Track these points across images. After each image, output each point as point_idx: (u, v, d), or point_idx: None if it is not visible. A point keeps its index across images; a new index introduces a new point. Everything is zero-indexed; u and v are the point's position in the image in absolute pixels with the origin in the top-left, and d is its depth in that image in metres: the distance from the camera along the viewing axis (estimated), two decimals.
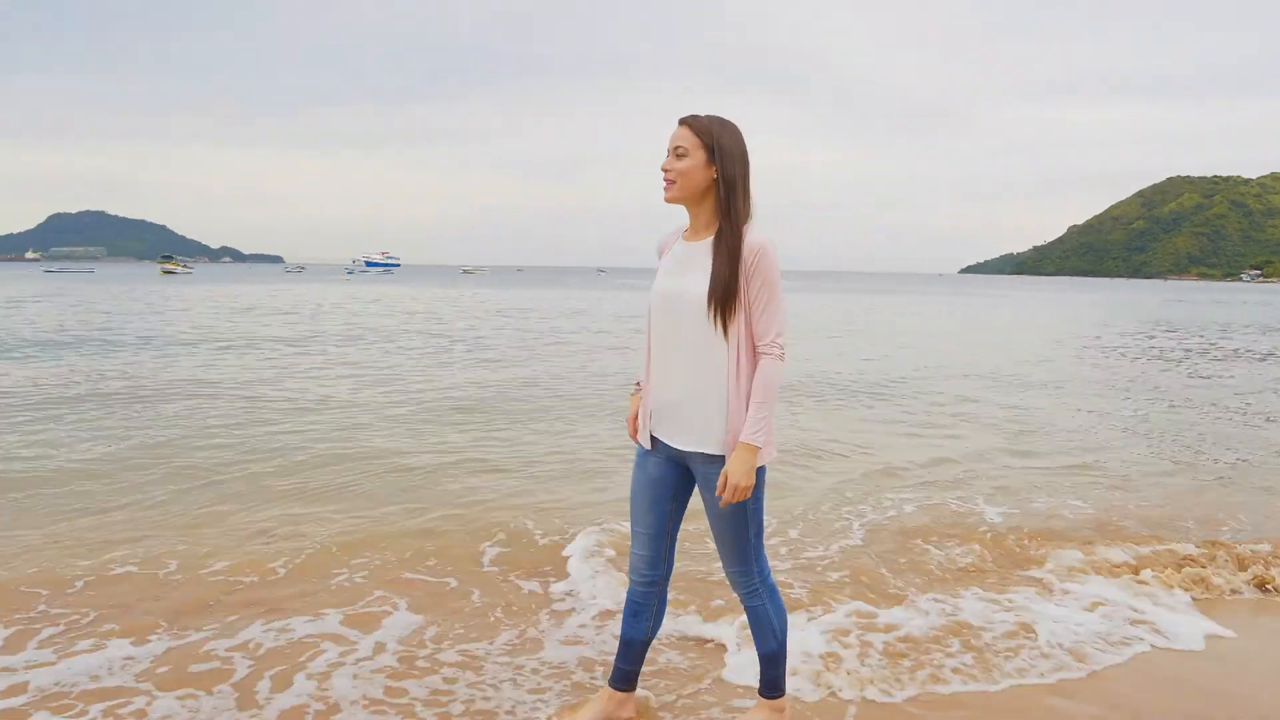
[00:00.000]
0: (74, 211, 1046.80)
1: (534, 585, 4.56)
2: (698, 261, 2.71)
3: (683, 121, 2.71)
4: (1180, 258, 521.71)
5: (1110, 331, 27.14)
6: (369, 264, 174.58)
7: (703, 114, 2.71)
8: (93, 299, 36.62)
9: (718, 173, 2.68)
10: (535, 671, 3.59)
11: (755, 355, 2.71)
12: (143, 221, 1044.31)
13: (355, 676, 3.48)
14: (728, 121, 2.73)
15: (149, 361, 14.16)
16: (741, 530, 2.83)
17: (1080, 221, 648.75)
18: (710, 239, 2.72)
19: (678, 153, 2.68)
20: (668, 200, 2.74)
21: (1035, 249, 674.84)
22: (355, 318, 26.98)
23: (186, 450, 7.46)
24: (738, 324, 2.66)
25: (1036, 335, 25.27)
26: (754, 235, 2.67)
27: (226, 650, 3.66)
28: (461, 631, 3.94)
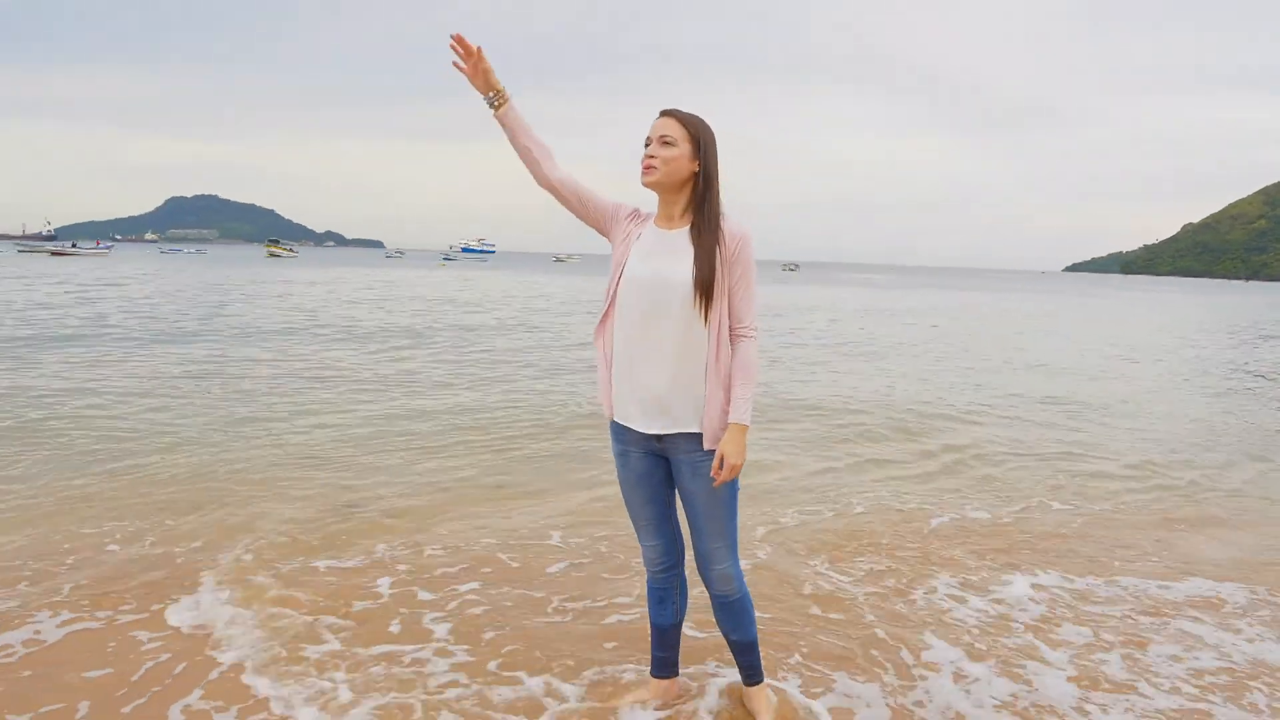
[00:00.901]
0: (189, 195, 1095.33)
1: None
2: (678, 248, 2.78)
3: (669, 113, 2.79)
4: None
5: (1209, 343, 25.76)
6: (465, 250, 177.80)
7: (683, 110, 2.81)
8: (206, 284, 38.10)
9: (700, 166, 2.78)
10: None
11: (732, 339, 2.80)
12: (253, 206, 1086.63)
13: None
14: (706, 121, 2.83)
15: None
16: (730, 509, 2.89)
17: (1196, 220, 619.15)
18: (687, 228, 2.80)
19: (665, 140, 2.75)
20: (647, 184, 2.79)
21: (1145, 247, 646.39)
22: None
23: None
24: (718, 309, 2.75)
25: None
26: (733, 225, 2.79)
27: None
28: None
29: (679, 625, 3.21)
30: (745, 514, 5.31)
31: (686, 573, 3.17)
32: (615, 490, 4.04)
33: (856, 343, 18.75)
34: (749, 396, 2.78)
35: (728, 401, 2.79)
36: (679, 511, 3.05)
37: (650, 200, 2.92)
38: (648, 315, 2.78)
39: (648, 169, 2.77)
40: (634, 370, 2.83)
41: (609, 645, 3.76)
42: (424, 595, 4.22)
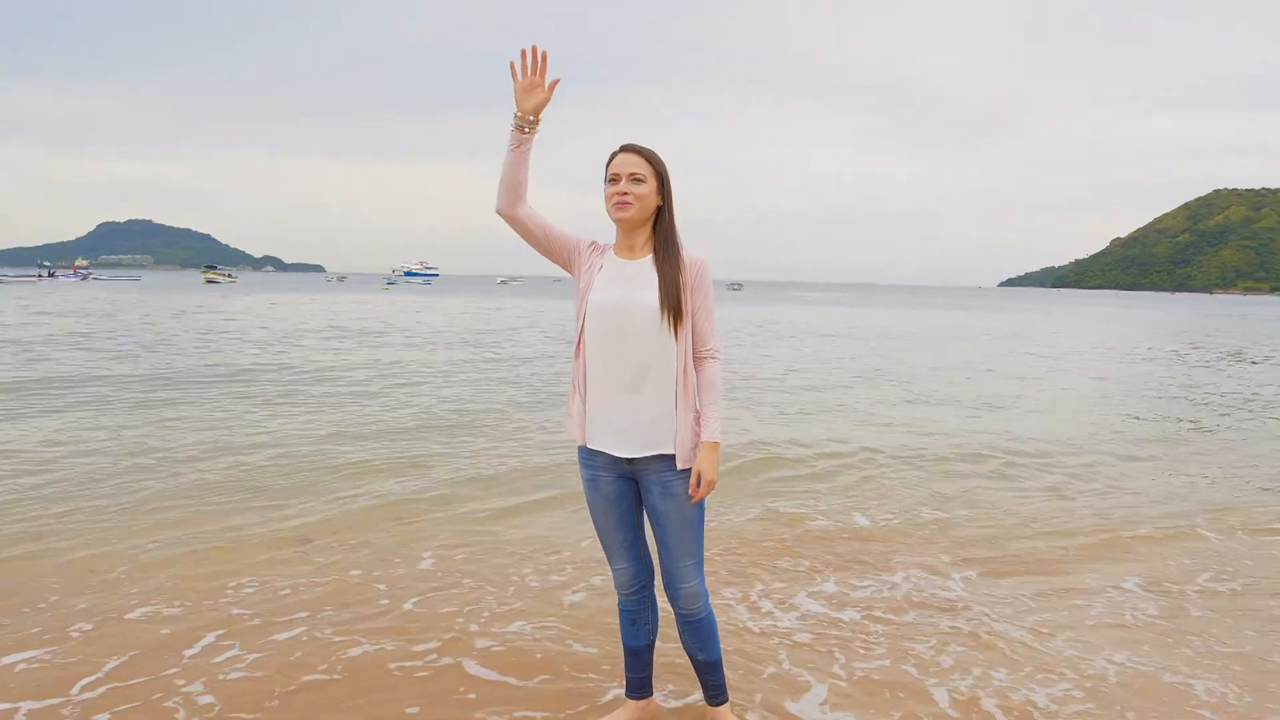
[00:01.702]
0: (122, 220, 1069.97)
1: None
2: (642, 277, 2.87)
3: (634, 150, 2.87)
4: (1226, 271, 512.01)
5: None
6: (408, 274, 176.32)
7: (642, 145, 2.89)
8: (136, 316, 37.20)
9: (662, 199, 2.90)
10: None
11: (696, 362, 2.91)
12: (188, 230, 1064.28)
13: None
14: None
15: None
16: (697, 528, 2.95)
17: (1123, 234, 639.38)
18: (649, 257, 2.90)
19: (635, 177, 2.84)
20: (622, 219, 2.85)
21: (1076, 262, 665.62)
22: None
23: None
24: (684, 333, 2.85)
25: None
26: (692, 252, 2.90)
27: None
28: None
29: (652, 645, 3.25)
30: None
31: (655, 593, 3.22)
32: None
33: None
34: (718, 415, 2.88)
35: (697, 422, 2.88)
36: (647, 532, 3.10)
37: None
38: (616, 342, 2.85)
39: (622, 205, 2.83)
40: (605, 396, 2.90)
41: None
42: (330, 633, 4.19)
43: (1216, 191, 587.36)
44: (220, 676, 3.60)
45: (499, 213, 2.92)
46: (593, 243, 3.01)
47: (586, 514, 3.08)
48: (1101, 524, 6.21)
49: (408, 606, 4.38)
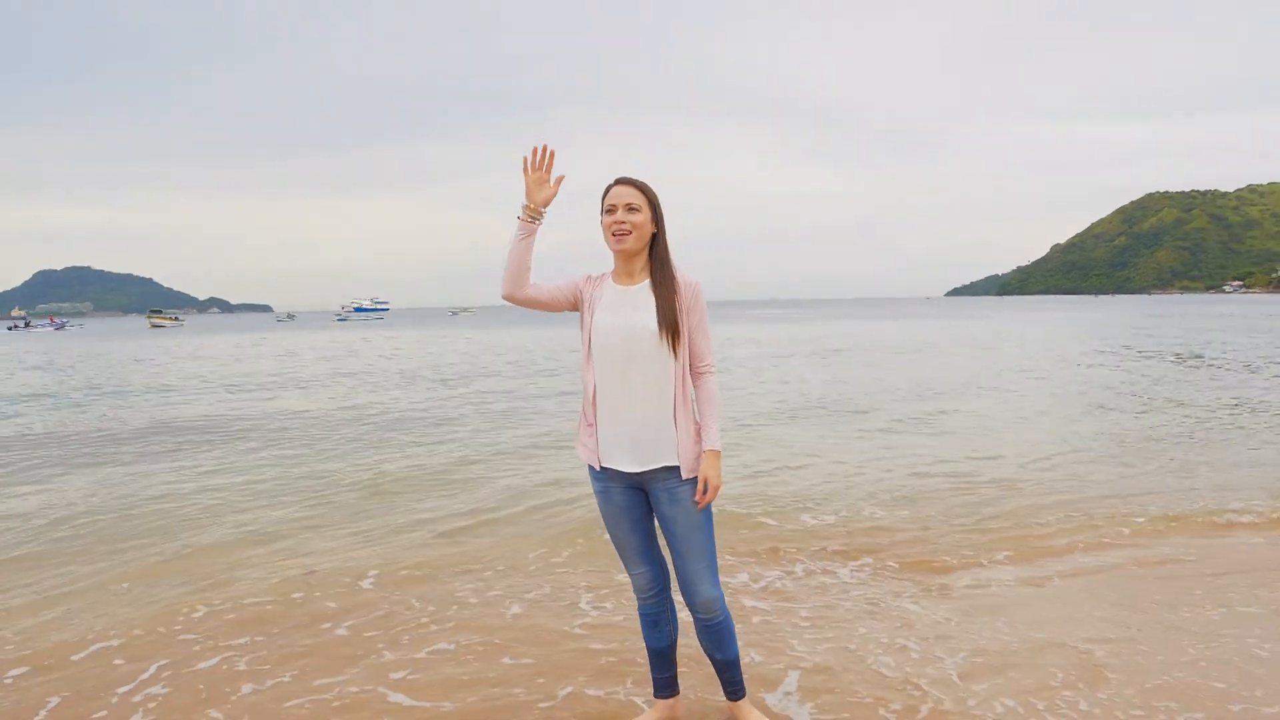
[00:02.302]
0: (59, 268, 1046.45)
1: None
2: (641, 302, 3.06)
3: (628, 182, 3.06)
4: (1163, 272, 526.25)
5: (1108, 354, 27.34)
6: (358, 309, 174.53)
7: (634, 177, 3.09)
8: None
9: (656, 227, 3.09)
10: None
11: (694, 376, 3.11)
12: (130, 275, 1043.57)
13: None
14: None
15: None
16: (707, 531, 3.09)
17: (1063, 240, 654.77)
18: (646, 282, 3.10)
19: (631, 207, 3.03)
20: (623, 249, 3.05)
21: (1019, 269, 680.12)
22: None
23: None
24: (683, 351, 3.05)
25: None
26: (686, 275, 3.10)
27: None
28: None
29: (674, 645, 3.39)
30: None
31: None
32: None
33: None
34: (718, 425, 3.08)
35: (698, 433, 3.07)
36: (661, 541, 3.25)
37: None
38: (621, 365, 3.04)
39: (621, 235, 3.03)
40: (613, 416, 3.07)
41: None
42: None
43: (1149, 195, 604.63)
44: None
45: (506, 297, 3.10)
46: (588, 276, 3.20)
47: None
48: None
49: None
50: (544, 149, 3.05)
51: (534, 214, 3.04)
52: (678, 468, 3.05)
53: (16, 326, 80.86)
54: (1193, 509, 6.71)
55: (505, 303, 3.16)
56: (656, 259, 3.09)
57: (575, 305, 3.18)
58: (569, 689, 3.80)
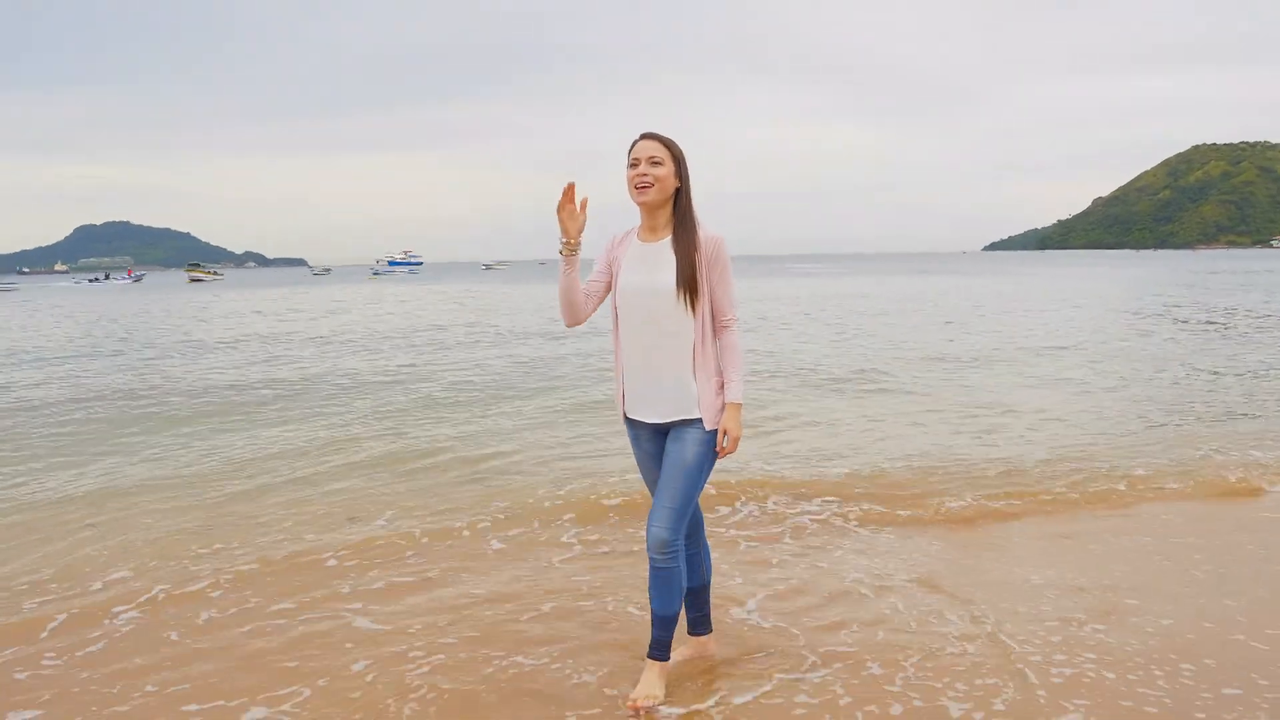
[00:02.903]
0: (99, 223, 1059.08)
1: None
2: (663, 258, 3.17)
3: (652, 136, 3.16)
4: (1208, 226, 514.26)
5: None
6: (393, 263, 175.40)
7: (659, 131, 3.17)
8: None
9: (680, 182, 3.17)
10: None
11: (716, 330, 3.20)
12: (167, 230, 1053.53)
13: None
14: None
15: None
16: (693, 479, 3.16)
17: (1105, 194, 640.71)
18: (668, 239, 3.19)
19: (654, 160, 3.12)
20: (644, 202, 3.15)
21: (1060, 223, 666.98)
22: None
23: None
24: (701, 307, 3.14)
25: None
26: (708, 231, 3.18)
27: None
28: None
29: (707, 585, 3.60)
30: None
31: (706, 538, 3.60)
32: None
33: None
34: (740, 378, 3.20)
35: (720, 386, 3.18)
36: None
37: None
38: (643, 320, 3.18)
39: (643, 188, 3.12)
40: (637, 370, 3.23)
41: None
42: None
43: (1196, 148, 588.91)
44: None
45: (570, 327, 3.33)
46: (613, 238, 3.35)
47: None
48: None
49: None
50: (569, 186, 3.12)
51: (572, 248, 3.15)
52: (698, 420, 3.16)
53: (98, 279, 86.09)
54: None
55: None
56: (679, 214, 3.17)
57: (610, 274, 3.33)
58: None
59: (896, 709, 3.32)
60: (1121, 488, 6.35)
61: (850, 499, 6.12)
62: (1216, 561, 4.85)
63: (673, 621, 3.29)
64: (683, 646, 3.65)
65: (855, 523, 5.67)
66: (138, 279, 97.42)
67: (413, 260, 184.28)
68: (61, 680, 3.74)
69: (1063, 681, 3.49)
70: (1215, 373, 12.18)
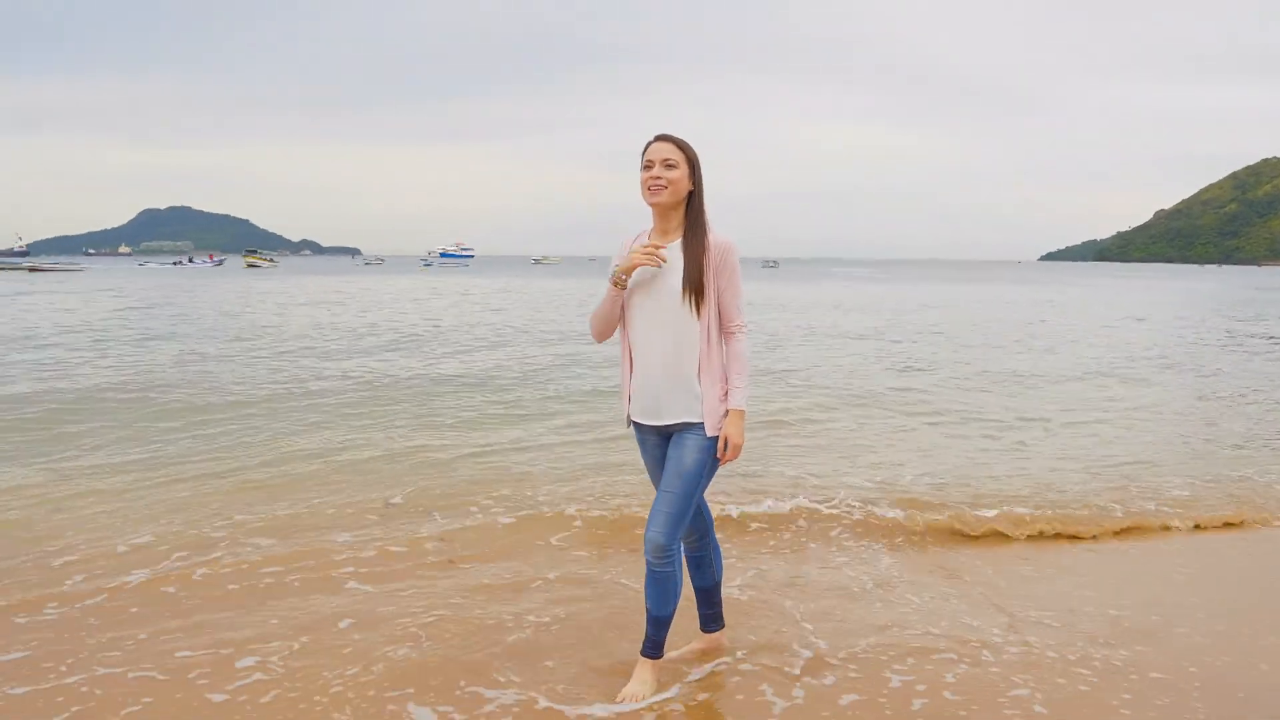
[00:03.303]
0: (163, 207, 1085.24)
1: None
2: (672, 260, 3.15)
3: (667, 138, 3.15)
4: (1277, 242, 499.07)
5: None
6: (444, 255, 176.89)
7: (674, 133, 3.17)
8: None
9: (693, 185, 3.16)
10: None
11: (724, 337, 3.20)
12: (226, 216, 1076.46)
13: None
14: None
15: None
16: (690, 484, 3.14)
17: (1167, 206, 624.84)
18: (679, 241, 3.17)
19: (668, 163, 3.11)
20: (657, 203, 3.14)
21: (1119, 235, 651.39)
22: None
23: None
24: (707, 311, 3.12)
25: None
26: (718, 235, 3.16)
27: None
28: None
29: (718, 585, 3.62)
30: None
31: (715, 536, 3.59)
32: None
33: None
34: (745, 385, 3.18)
35: (724, 392, 3.16)
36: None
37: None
38: (649, 323, 3.18)
39: (657, 190, 3.11)
40: (644, 372, 3.22)
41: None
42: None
43: (1265, 161, 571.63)
44: None
45: (597, 342, 3.35)
46: (627, 239, 3.33)
47: None
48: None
49: None
50: (660, 250, 3.11)
51: (620, 283, 3.16)
52: (700, 425, 3.14)
53: (181, 262, 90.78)
54: None
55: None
56: (690, 217, 3.17)
57: None
58: None
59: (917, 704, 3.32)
60: (1169, 510, 6.00)
61: (881, 504, 5.93)
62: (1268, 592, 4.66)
63: (666, 622, 3.30)
64: (696, 642, 3.70)
65: (886, 534, 5.50)
66: (219, 263, 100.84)
67: (465, 253, 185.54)
68: (56, 625, 3.88)
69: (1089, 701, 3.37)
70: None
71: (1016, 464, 7.28)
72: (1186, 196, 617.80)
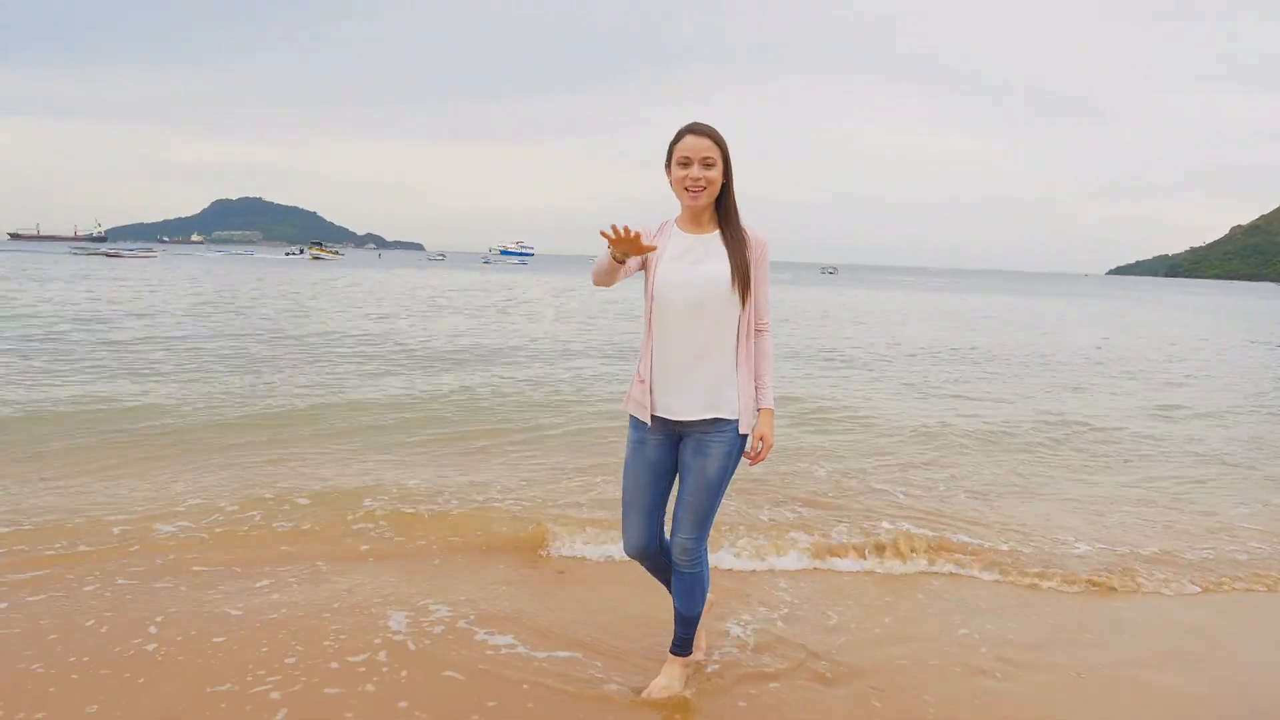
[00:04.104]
0: (234, 198, 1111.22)
1: None
2: (712, 251, 3.06)
3: (703, 132, 2.97)
4: None
5: None
6: (504, 252, 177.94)
7: (706, 125, 2.99)
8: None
9: (725, 178, 3.04)
10: None
11: (753, 333, 3.11)
12: (296, 208, 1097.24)
13: None
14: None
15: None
16: (714, 493, 3.13)
17: (1245, 221, 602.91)
18: (716, 233, 3.08)
19: (707, 162, 2.98)
20: (699, 205, 3.01)
21: (1192, 250, 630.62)
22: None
23: None
24: (750, 302, 3.07)
25: None
26: (755, 229, 3.11)
27: None
28: None
29: (679, 613, 3.37)
30: None
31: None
32: None
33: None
34: (771, 384, 3.14)
35: (755, 390, 3.13)
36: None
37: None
38: (689, 313, 3.03)
39: (698, 193, 2.99)
40: (674, 365, 3.06)
41: None
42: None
43: None
44: None
45: (596, 286, 3.12)
46: (647, 229, 3.11)
47: None
48: None
49: None
50: (636, 236, 2.75)
51: (619, 257, 2.87)
52: (723, 420, 3.07)
53: (292, 253, 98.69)
54: None
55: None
56: (724, 209, 3.08)
57: (644, 264, 3.12)
58: None
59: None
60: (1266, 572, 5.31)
61: (928, 524, 5.84)
62: None
63: (695, 621, 3.32)
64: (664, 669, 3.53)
65: (935, 557, 5.29)
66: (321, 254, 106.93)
67: (525, 251, 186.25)
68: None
69: None
70: None
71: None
72: (1266, 212, 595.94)
